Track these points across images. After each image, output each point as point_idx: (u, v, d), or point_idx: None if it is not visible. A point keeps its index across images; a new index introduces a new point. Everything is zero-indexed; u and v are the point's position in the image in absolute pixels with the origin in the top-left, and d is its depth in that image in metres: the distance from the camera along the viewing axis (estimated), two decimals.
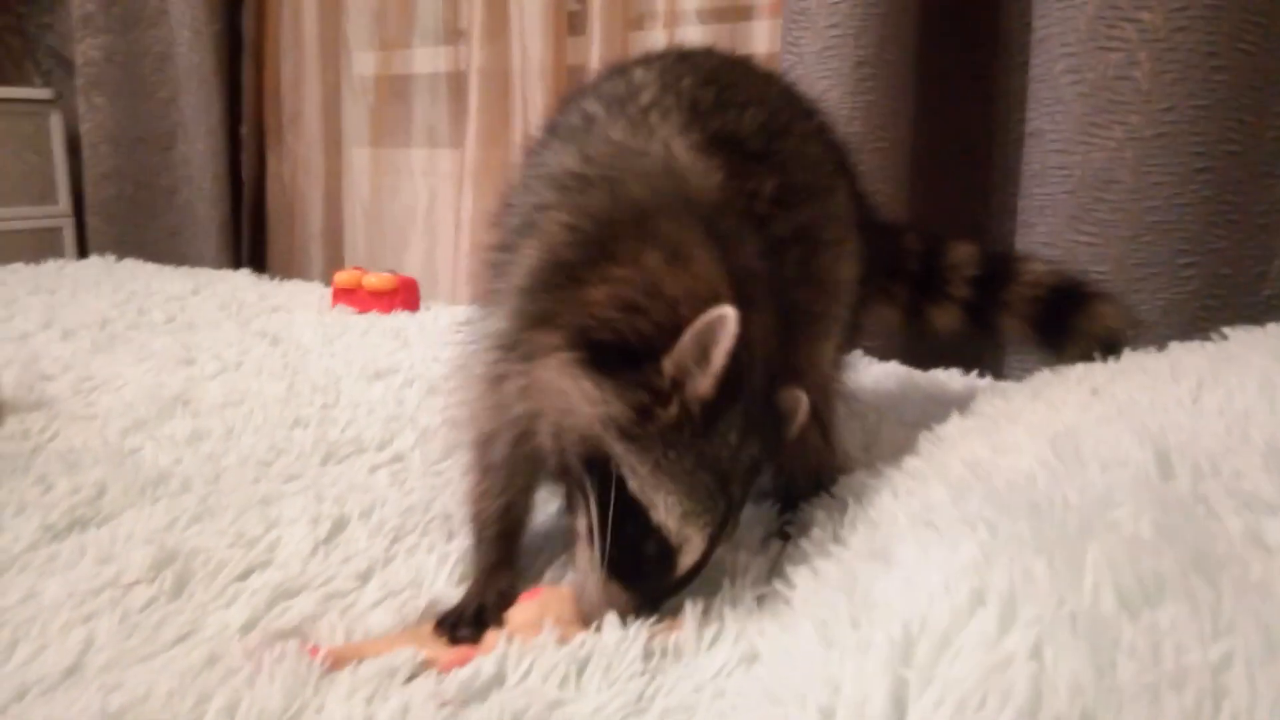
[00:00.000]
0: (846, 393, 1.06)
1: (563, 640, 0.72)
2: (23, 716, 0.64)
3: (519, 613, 0.76)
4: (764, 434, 0.77)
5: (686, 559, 0.74)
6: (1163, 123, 1.34)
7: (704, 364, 0.71)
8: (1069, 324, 1.14)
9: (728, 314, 0.69)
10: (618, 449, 0.73)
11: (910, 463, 0.83)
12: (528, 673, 0.70)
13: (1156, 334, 1.37)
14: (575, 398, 0.75)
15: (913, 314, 1.22)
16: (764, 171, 0.88)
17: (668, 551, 0.74)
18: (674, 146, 0.86)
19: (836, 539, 0.77)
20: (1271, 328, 0.86)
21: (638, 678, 0.69)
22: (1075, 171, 1.41)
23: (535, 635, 0.72)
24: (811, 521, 0.84)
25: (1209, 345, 0.84)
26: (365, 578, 0.85)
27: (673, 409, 0.73)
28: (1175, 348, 0.86)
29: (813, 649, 0.58)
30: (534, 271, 0.81)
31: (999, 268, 1.19)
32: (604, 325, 0.75)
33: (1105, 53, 1.35)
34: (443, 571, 0.85)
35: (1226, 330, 0.88)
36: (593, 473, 0.75)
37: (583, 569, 0.77)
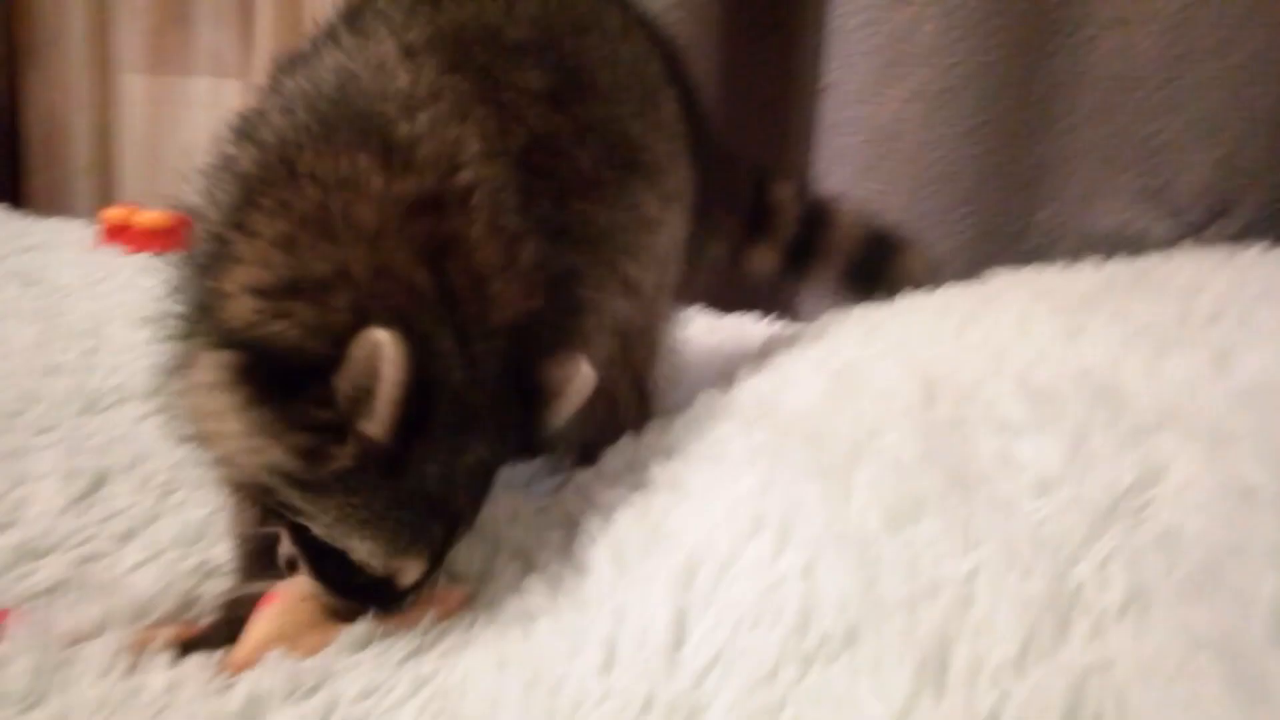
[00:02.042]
0: (670, 345, 0.96)
1: (309, 652, 0.63)
2: None
3: (260, 624, 0.66)
4: (508, 428, 0.64)
5: (407, 580, 0.64)
6: (949, 77, 1.41)
7: (371, 402, 0.57)
8: (879, 272, 1.15)
9: (383, 344, 0.55)
10: (294, 498, 0.61)
11: (704, 400, 0.84)
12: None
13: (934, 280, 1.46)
14: (231, 439, 0.61)
15: (738, 253, 1.16)
16: (529, 64, 0.76)
17: (382, 579, 0.64)
18: (377, 50, 0.72)
19: (634, 469, 0.77)
20: (1033, 270, 0.93)
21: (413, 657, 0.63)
22: (867, 124, 1.46)
23: (277, 647, 0.63)
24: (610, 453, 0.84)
25: (977, 286, 0.89)
26: (127, 538, 0.78)
27: (349, 448, 0.59)
28: (947, 289, 0.92)
29: (606, 577, 0.58)
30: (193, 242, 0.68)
31: (815, 211, 1.18)
32: (249, 326, 0.60)
33: (898, 9, 1.40)
34: (216, 528, 0.80)
35: (988, 275, 0.94)
36: (279, 509, 0.63)
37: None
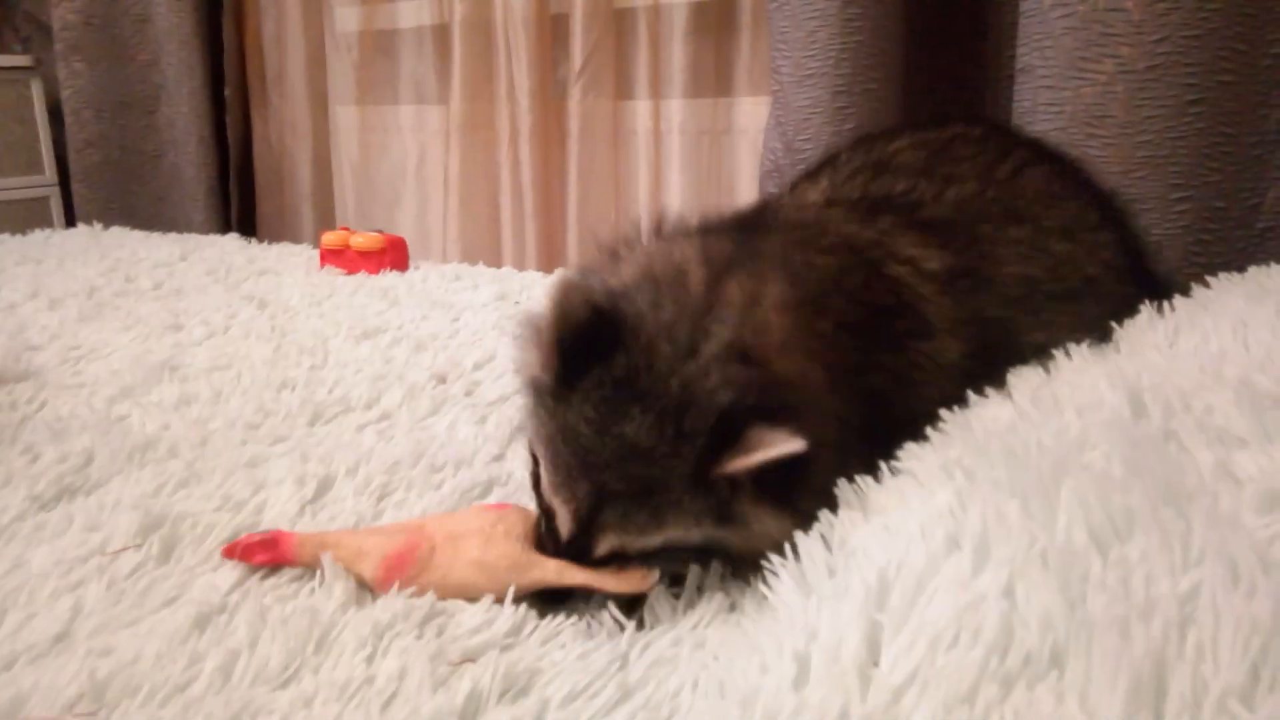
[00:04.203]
0: None
1: (496, 559, 0.72)
2: (13, 684, 0.64)
3: (473, 518, 0.76)
4: (670, 428, 0.66)
5: (562, 529, 0.70)
6: (1155, 54, 1.32)
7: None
8: None
9: (558, 277, 0.69)
10: (529, 400, 0.73)
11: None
12: (518, 631, 0.70)
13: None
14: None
15: None
16: (928, 240, 0.83)
17: (551, 516, 0.72)
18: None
19: None
20: (1252, 272, 0.85)
21: (619, 634, 0.69)
22: (1066, 108, 1.39)
23: (473, 543, 0.73)
24: None
25: (1190, 295, 0.83)
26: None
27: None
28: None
29: (791, 598, 0.58)
30: None
31: None
32: None
33: None
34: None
35: (1210, 280, 0.86)
36: None
37: None
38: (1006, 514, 0.52)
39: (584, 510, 0.69)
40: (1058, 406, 0.63)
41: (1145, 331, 0.73)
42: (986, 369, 0.79)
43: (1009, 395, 0.72)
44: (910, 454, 0.67)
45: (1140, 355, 0.68)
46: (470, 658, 0.66)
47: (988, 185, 0.88)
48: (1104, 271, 0.89)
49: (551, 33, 2.14)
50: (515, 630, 0.70)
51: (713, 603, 0.71)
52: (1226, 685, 0.40)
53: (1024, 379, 0.75)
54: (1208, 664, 0.41)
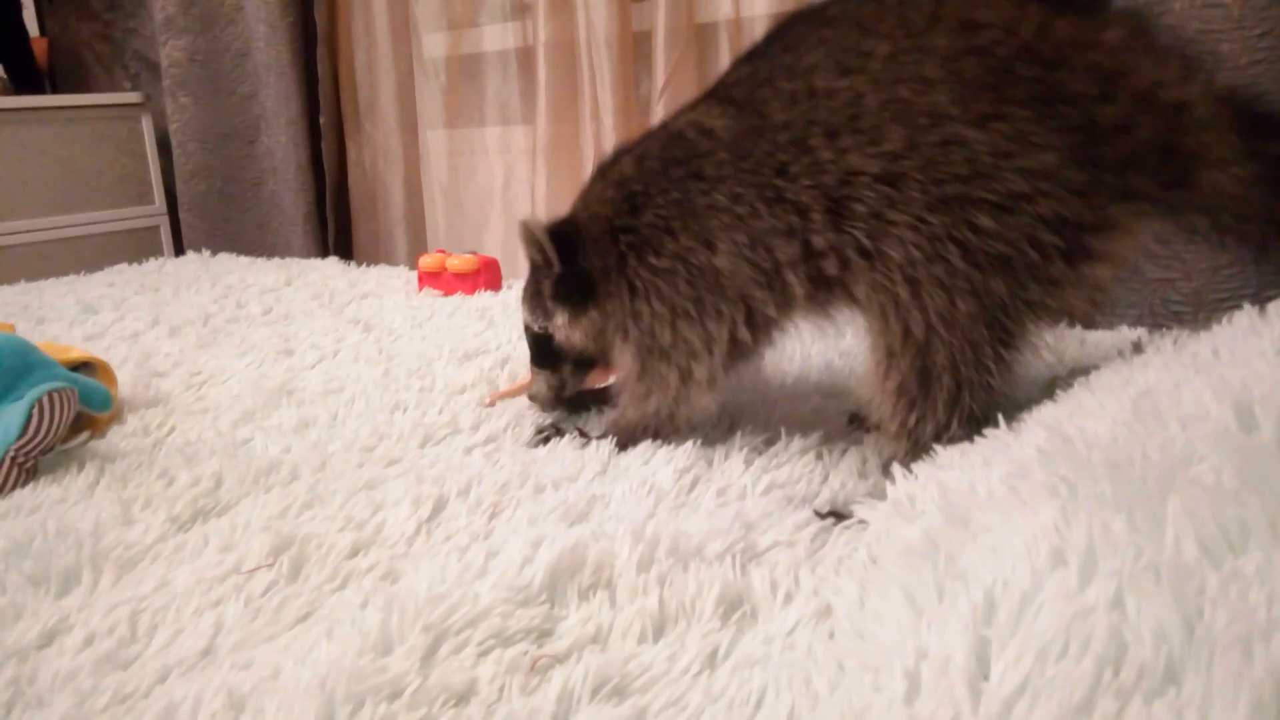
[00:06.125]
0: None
1: None
2: (165, 696, 0.70)
3: None
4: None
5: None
6: (1257, 49, 1.29)
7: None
8: None
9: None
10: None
11: (990, 430, 0.82)
12: (608, 632, 0.73)
13: (1253, 272, 1.32)
14: None
15: None
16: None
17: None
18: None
19: (921, 507, 0.77)
20: None
21: (714, 633, 0.72)
22: None
23: None
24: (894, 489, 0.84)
25: None
26: (465, 550, 0.89)
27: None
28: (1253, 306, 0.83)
29: (902, 617, 0.59)
30: None
31: None
32: None
33: None
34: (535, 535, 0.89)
35: None
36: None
37: None
38: (1112, 528, 0.52)
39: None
40: (1160, 419, 0.63)
41: (1247, 337, 0.71)
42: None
43: (1106, 408, 0.72)
44: (1015, 472, 0.67)
45: (1246, 364, 0.67)
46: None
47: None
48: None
49: (634, 51, 2.17)
50: (606, 632, 0.73)
51: (809, 605, 0.74)
52: None
53: (1119, 390, 0.74)
54: None
